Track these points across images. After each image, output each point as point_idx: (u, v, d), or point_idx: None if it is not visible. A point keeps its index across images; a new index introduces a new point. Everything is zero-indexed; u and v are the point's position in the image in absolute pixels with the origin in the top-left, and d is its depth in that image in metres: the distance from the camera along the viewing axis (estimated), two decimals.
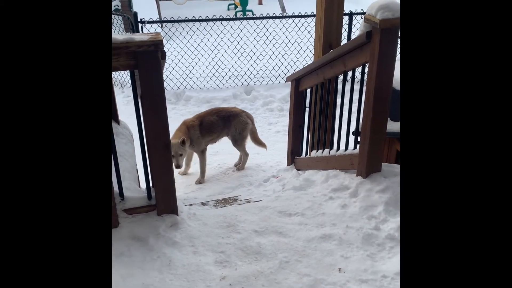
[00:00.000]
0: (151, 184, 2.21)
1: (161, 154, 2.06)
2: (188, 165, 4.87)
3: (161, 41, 1.79)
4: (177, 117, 6.99)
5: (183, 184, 4.48)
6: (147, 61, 1.83)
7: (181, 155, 4.20)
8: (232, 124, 4.69)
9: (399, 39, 2.24)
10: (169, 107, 7.37)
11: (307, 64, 3.73)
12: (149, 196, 2.21)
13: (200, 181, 4.53)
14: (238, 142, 4.75)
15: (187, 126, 4.48)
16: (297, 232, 2.17)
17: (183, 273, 1.89)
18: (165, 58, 1.95)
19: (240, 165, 4.83)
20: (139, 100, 1.98)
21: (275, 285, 1.79)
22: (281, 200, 2.58)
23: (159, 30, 11.21)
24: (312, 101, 3.58)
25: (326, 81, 3.15)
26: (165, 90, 7.35)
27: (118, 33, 7.72)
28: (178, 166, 4.18)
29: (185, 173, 4.84)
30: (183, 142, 4.12)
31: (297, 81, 3.79)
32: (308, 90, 3.71)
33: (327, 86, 3.16)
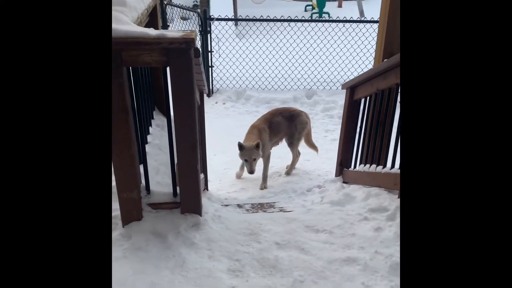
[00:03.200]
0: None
1: (188, 153, 2.03)
2: (242, 169, 4.57)
3: (193, 39, 1.75)
4: (234, 115, 7.07)
5: (228, 183, 4.48)
6: (178, 59, 1.81)
7: (254, 159, 4.00)
8: (293, 123, 4.59)
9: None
10: (228, 104, 7.48)
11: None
12: (175, 193, 2.20)
13: (265, 186, 4.29)
14: (295, 142, 4.63)
15: (259, 130, 4.29)
16: (320, 250, 2.04)
17: (193, 277, 1.85)
18: (199, 56, 1.92)
19: (288, 169, 4.72)
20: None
21: None
22: (313, 213, 2.45)
23: (233, 28, 11.43)
24: (364, 112, 3.38)
25: (379, 92, 2.95)
26: (227, 88, 7.58)
27: (195, 29, 7.97)
28: (251, 172, 3.99)
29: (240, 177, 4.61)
30: (257, 146, 3.95)
31: (352, 89, 3.60)
32: (363, 100, 3.51)
33: (380, 98, 2.96)
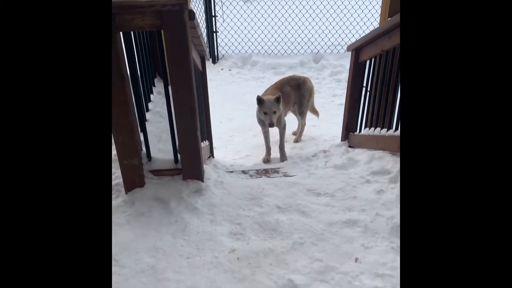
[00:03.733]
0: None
1: (187, 119, 2.02)
2: (269, 153, 4.16)
3: (186, 1, 1.70)
4: (240, 81, 7.00)
5: (233, 150, 4.49)
6: (172, 21, 1.76)
7: (274, 112, 3.79)
8: (301, 92, 4.51)
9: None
10: (234, 71, 7.40)
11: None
12: (176, 160, 2.20)
13: (286, 158, 4.03)
14: (305, 111, 4.56)
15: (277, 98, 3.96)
16: (321, 213, 2.05)
17: (195, 240, 1.87)
18: (193, 18, 1.86)
19: (297, 136, 4.68)
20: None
21: (282, 266, 1.71)
22: (315, 177, 2.45)
23: None
24: (370, 74, 3.31)
25: (384, 53, 2.86)
26: (233, 54, 7.38)
27: None
28: (271, 124, 3.76)
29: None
30: (278, 99, 3.79)
31: (357, 51, 3.51)
32: (368, 62, 3.43)
33: (385, 59, 2.88)
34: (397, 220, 1.95)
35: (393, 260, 1.72)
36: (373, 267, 1.68)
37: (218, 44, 7.66)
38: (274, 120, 3.80)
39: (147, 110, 2.59)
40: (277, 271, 1.68)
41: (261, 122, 4.03)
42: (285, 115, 4.47)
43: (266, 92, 4.29)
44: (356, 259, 1.74)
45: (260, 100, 3.79)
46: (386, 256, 1.74)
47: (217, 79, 7.07)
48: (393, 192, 2.17)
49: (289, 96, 4.36)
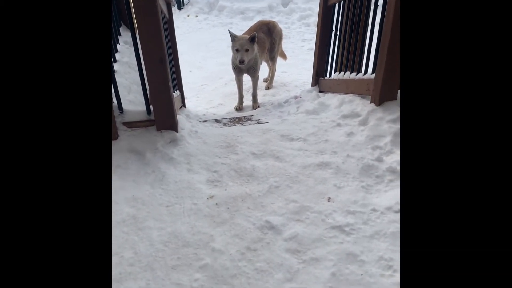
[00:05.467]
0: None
1: (157, 69, 1.99)
2: (242, 101, 4.11)
3: None
4: (208, 28, 6.80)
5: (205, 99, 4.45)
6: None
7: (247, 50, 3.71)
8: (272, 36, 4.46)
9: None
10: (201, 17, 7.15)
11: None
12: (148, 111, 2.19)
13: (258, 106, 4.02)
14: (276, 55, 4.54)
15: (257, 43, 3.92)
16: (295, 157, 2.12)
17: (173, 189, 1.92)
18: None
19: (268, 83, 4.68)
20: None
21: (260, 209, 1.79)
22: (287, 123, 2.49)
23: None
24: (339, 17, 3.28)
25: None
26: None
27: None
28: (241, 61, 3.68)
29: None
30: (252, 39, 3.71)
31: None
32: (337, 5, 3.39)
33: (354, 1, 2.85)
34: (367, 160, 2.05)
35: (363, 198, 1.83)
36: (345, 205, 1.79)
37: None
38: (245, 58, 3.73)
39: (115, 61, 2.52)
40: (255, 213, 1.76)
41: (236, 69, 3.98)
42: (261, 63, 4.42)
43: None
44: (329, 199, 1.84)
45: (233, 37, 3.72)
46: (357, 195, 1.85)
47: (183, 26, 6.84)
48: (363, 134, 2.26)
49: (264, 43, 4.31)
